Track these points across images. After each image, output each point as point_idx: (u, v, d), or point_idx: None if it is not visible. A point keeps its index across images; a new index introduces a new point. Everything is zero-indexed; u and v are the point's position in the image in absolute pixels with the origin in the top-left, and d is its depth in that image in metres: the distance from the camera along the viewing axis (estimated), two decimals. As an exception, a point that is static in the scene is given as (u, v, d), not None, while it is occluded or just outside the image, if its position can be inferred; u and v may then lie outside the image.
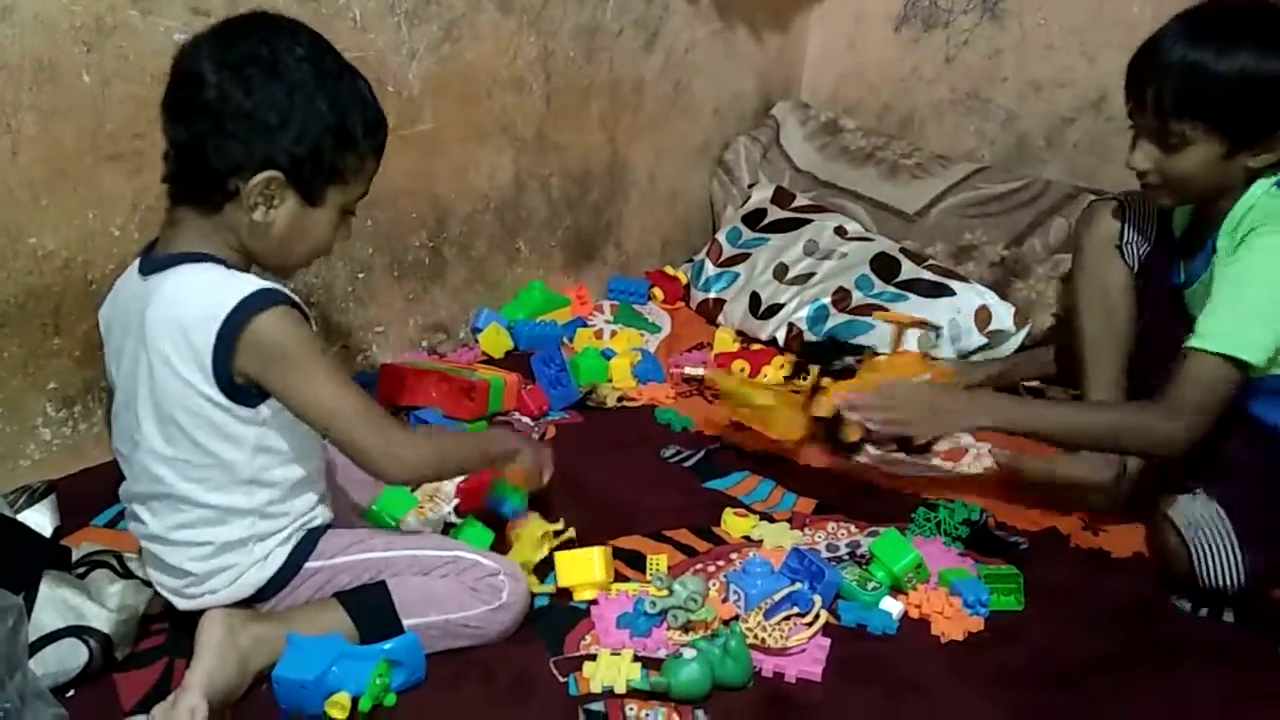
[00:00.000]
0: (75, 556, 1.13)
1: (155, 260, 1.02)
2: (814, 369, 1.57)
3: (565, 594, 1.19)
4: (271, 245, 1.03)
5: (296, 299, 1.02)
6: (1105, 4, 2.02)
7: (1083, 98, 2.10)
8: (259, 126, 0.97)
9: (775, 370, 1.77)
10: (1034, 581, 1.22)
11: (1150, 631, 1.18)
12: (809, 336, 1.89)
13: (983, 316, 1.84)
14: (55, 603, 1.03)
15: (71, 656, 1.02)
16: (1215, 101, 1.19)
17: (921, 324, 1.66)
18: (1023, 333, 1.83)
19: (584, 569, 1.18)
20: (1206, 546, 1.21)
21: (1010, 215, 2.02)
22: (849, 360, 1.63)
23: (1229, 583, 1.20)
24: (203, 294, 0.99)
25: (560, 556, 1.19)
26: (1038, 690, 1.09)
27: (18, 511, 1.22)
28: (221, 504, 1.04)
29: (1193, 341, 1.19)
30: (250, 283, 0.99)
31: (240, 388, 0.99)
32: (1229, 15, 1.22)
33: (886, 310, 1.81)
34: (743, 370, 1.77)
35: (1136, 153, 1.26)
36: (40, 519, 1.23)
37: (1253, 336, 1.18)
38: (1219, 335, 1.18)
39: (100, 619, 1.04)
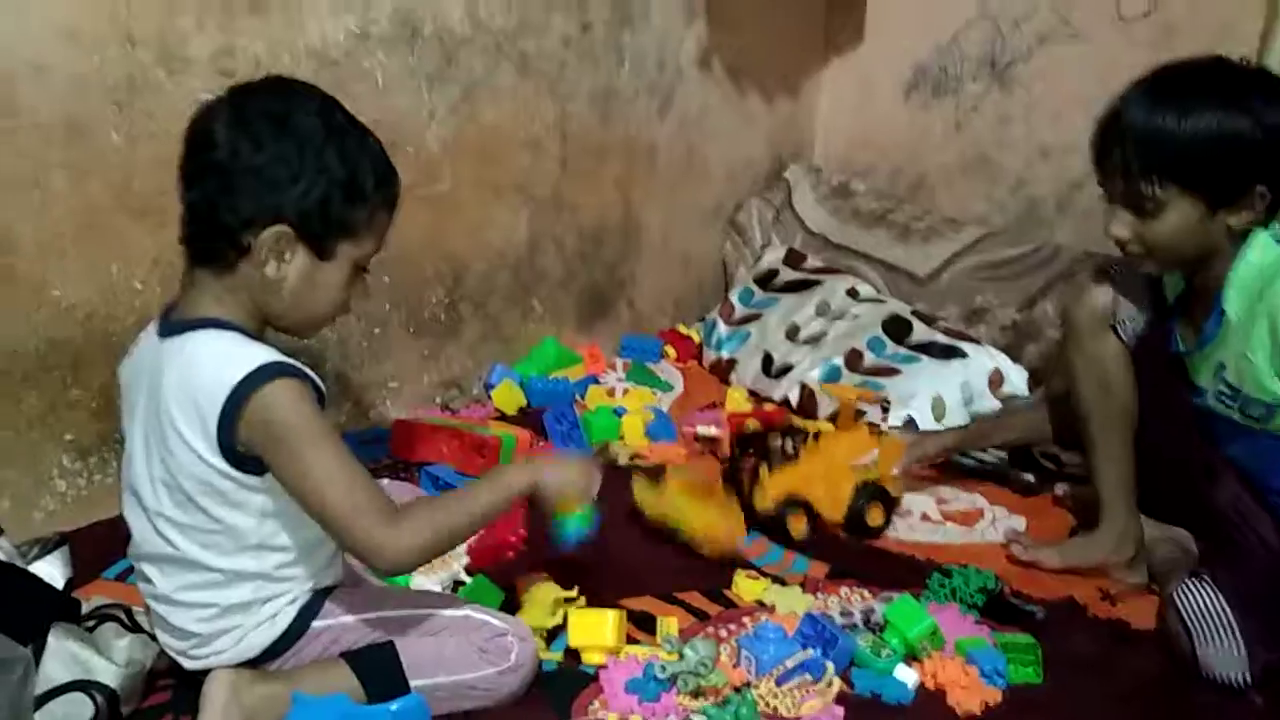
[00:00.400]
0: (85, 609, 1.12)
1: (173, 324, 1.03)
2: (761, 466, 1.48)
3: (574, 656, 1.18)
4: (285, 302, 1.02)
5: (309, 372, 1.01)
6: (1112, 72, 2.01)
7: (1091, 164, 2.12)
8: (269, 181, 0.98)
9: (734, 401, 1.60)
10: (1052, 652, 1.20)
11: (1175, 707, 1.15)
12: (820, 399, 1.89)
13: (995, 379, 1.84)
14: (63, 655, 1.02)
15: (78, 711, 1.00)
16: (1184, 163, 1.16)
17: (867, 399, 1.57)
18: (1036, 396, 1.83)
19: (597, 631, 1.17)
20: (1210, 641, 1.16)
21: (1021, 279, 2.03)
22: (788, 446, 1.53)
23: (1234, 679, 1.16)
24: (214, 362, 0.98)
25: (574, 615, 1.18)
26: (1057, 764, 1.06)
27: (30, 562, 1.22)
28: (229, 568, 1.03)
29: None
30: (262, 354, 0.99)
31: (245, 457, 0.99)
32: (1187, 76, 1.19)
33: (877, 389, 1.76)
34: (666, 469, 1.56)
35: (1114, 223, 1.23)
36: (52, 570, 1.23)
37: None
38: None
39: (107, 673, 1.03)
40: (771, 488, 1.46)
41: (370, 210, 1.03)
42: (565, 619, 1.20)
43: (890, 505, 1.52)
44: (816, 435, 1.54)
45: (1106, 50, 2.04)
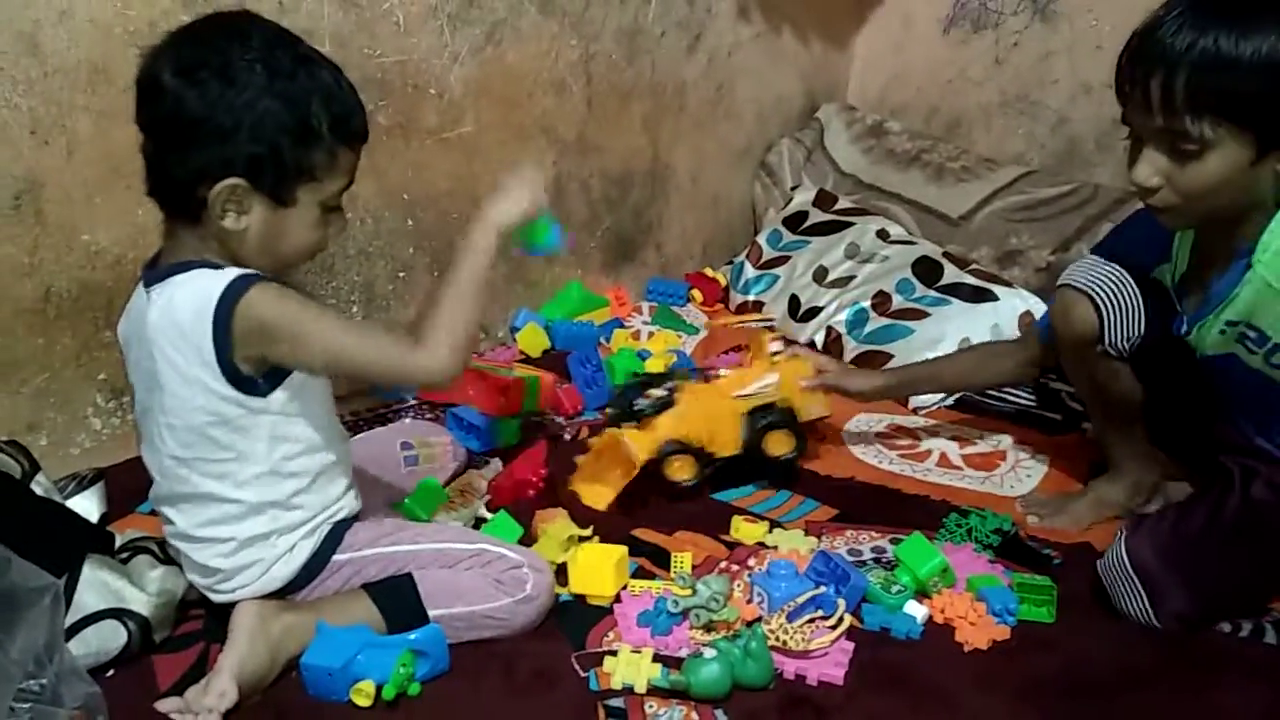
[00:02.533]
0: (119, 542, 1.17)
1: (155, 273, 1.04)
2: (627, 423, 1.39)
3: (588, 588, 1.20)
4: (252, 251, 1.02)
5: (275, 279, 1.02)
6: (1159, 4, 1.97)
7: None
8: (212, 133, 0.95)
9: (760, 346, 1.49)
10: (1066, 595, 1.19)
11: (1186, 648, 1.14)
12: (847, 341, 1.87)
13: (1026, 322, 1.81)
14: (97, 585, 1.07)
15: (111, 637, 1.05)
16: (1239, 95, 0.99)
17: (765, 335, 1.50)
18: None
19: (598, 579, 1.18)
20: (1121, 597, 1.17)
21: (1058, 220, 1.98)
22: (658, 393, 1.42)
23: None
24: (190, 293, 1.00)
25: (574, 563, 1.19)
26: (1065, 701, 1.06)
27: (67, 497, 1.26)
28: (244, 498, 1.06)
29: None
30: (232, 270, 1.00)
31: (246, 378, 1.01)
32: None
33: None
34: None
35: (1141, 165, 1.06)
36: (88, 505, 1.28)
37: None
38: None
39: (140, 602, 1.07)
40: (645, 437, 1.36)
41: (329, 150, 1.01)
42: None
43: (796, 429, 1.42)
44: (708, 377, 1.45)
45: (1153, -22, 1.96)
